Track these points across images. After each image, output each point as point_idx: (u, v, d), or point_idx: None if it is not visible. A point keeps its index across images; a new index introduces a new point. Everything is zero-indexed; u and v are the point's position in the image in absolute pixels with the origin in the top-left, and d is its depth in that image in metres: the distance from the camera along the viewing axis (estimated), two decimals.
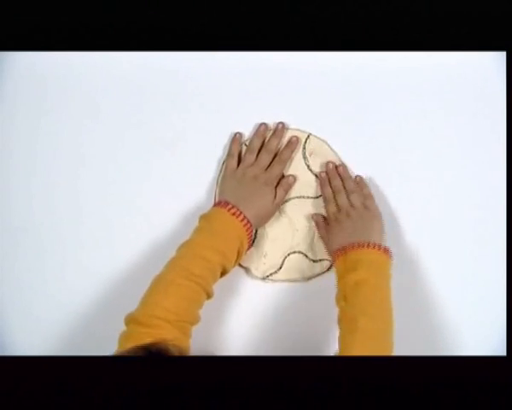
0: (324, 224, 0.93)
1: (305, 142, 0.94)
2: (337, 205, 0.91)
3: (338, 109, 0.96)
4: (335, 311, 0.85)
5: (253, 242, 0.93)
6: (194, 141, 0.96)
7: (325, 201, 0.93)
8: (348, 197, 0.91)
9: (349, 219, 0.89)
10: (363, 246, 0.85)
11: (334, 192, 0.92)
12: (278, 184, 0.92)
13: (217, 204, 0.88)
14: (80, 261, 0.94)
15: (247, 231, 0.86)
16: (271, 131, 0.94)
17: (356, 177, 0.93)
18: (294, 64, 0.96)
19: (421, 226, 0.94)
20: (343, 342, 0.82)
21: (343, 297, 0.84)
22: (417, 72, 0.96)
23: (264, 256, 0.93)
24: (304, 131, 0.95)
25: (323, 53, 0.93)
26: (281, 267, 0.93)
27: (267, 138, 0.93)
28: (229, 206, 0.85)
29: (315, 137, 0.95)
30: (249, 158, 0.92)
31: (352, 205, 0.90)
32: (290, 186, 0.93)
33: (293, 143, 0.93)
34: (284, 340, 0.93)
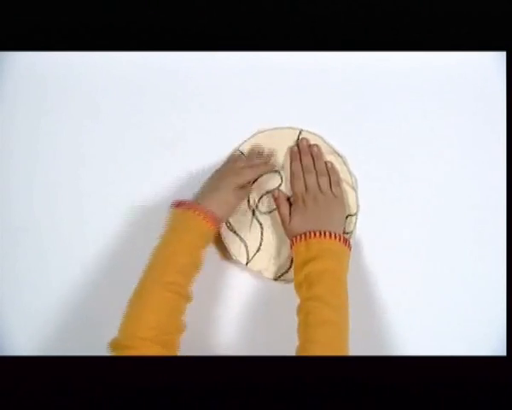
0: (287, 202, 0.91)
1: (298, 138, 0.95)
2: (305, 184, 0.91)
3: (338, 109, 0.96)
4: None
5: (260, 245, 0.93)
6: (194, 141, 0.96)
7: (293, 176, 0.92)
8: (317, 179, 0.91)
9: (316, 204, 0.88)
10: (325, 235, 0.84)
11: (303, 170, 0.92)
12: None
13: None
14: (80, 261, 0.94)
15: (202, 217, 0.83)
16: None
17: (326, 162, 0.93)
18: (294, 64, 0.96)
19: (421, 226, 0.94)
20: (305, 332, 0.80)
21: (307, 284, 0.82)
22: (417, 72, 0.96)
23: (274, 258, 0.93)
24: (295, 128, 0.95)
25: (323, 53, 0.93)
26: (290, 266, 0.93)
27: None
28: (185, 204, 0.85)
29: (307, 132, 0.95)
30: (227, 165, 0.93)
31: (320, 189, 0.90)
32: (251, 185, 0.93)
33: (267, 157, 0.94)
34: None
